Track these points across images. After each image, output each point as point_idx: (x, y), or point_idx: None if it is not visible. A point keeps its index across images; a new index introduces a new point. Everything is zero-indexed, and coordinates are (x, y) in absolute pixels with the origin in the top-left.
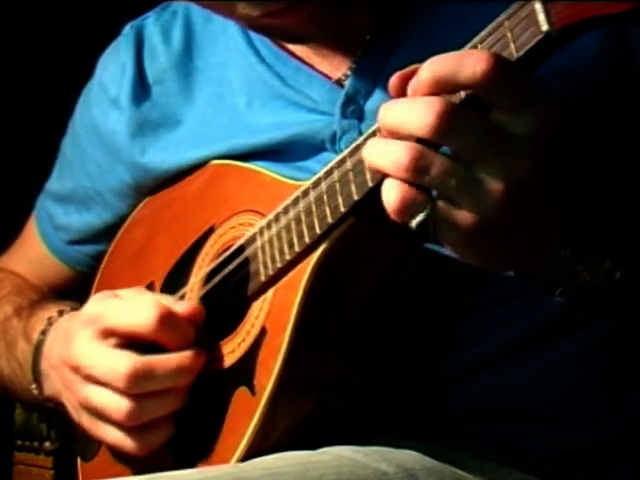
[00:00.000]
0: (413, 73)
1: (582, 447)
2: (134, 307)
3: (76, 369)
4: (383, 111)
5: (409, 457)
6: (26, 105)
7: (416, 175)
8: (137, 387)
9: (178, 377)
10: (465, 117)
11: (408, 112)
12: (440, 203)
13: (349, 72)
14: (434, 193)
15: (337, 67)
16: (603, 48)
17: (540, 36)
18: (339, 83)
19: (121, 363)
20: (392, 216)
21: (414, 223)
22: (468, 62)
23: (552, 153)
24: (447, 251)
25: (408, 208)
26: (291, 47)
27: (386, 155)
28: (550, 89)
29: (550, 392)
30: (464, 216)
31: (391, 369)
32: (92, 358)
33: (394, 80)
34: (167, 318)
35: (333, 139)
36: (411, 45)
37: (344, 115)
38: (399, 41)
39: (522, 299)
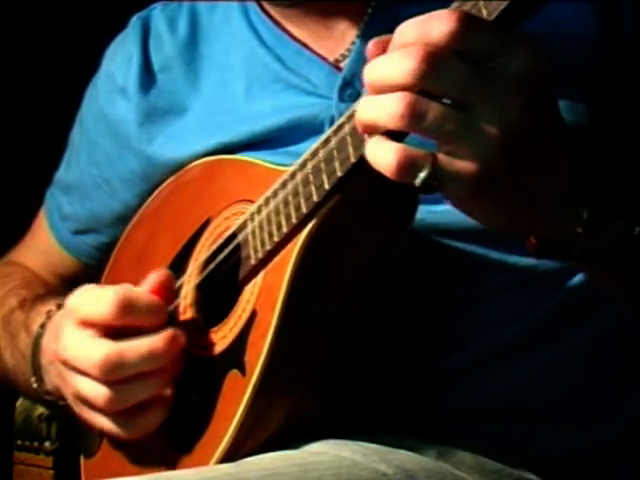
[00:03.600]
0: (389, 41)
1: (582, 447)
2: (98, 297)
3: (64, 362)
4: (366, 71)
5: (408, 458)
6: (26, 105)
7: (413, 122)
8: (111, 374)
9: (151, 360)
10: (447, 59)
11: (389, 64)
12: (440, 155)
13: (347, 53)
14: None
15: (333, 50)
16: (597, 33)
17: None
18: (336, 65)
19: (94, 352)
20: (393, 178)
21: (418, 181)
22: (434, 24)
23: (540, 90)
24: (451, 206)
25: (410, 166)
26: (292, 29)
27: (380, 108)
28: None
29: (550, 392)
30: (465, 165)
31: (388, 366)
32: (73, 349)
33: (371, 47)
34: (126, 302)
35: (332, 122)
36: None
37: (342, 99)
38: (396, 25)
39: (521, 298)
